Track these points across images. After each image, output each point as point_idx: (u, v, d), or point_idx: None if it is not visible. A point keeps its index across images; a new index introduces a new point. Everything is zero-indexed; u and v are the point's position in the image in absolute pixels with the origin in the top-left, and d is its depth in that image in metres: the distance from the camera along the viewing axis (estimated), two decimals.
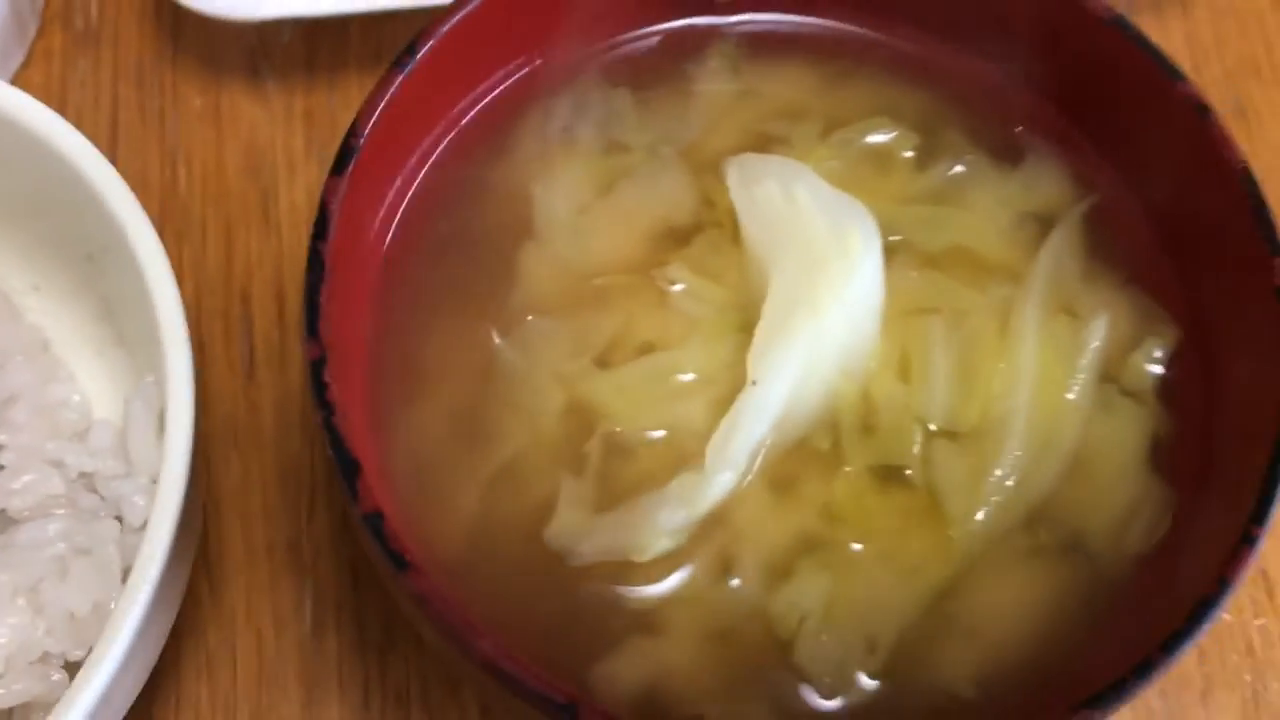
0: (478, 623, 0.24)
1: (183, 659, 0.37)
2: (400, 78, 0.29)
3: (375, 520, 0.25)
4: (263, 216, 0.43)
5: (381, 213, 0.30)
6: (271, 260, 0.42)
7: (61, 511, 0.32)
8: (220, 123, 0.45)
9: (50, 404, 0.34)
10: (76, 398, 0.35)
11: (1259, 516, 0.26)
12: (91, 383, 0.35)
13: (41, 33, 0.45)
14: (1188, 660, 0.37)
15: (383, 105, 0.28)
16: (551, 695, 0.23)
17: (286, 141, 0.45)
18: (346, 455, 0.25)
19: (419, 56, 0.29)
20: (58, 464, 0.33)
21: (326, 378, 0.26)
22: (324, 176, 0.43)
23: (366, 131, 0.28)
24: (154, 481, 0.32)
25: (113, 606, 0.29)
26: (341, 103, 0.45)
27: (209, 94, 0.45)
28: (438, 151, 0.31)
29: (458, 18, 0.30)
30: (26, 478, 0.33)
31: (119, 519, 0.32)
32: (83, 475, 0.33)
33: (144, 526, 0.30)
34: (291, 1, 0.42)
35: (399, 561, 0.24)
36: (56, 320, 0.36)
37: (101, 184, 0.31)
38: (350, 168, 0.28)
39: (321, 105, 0.46)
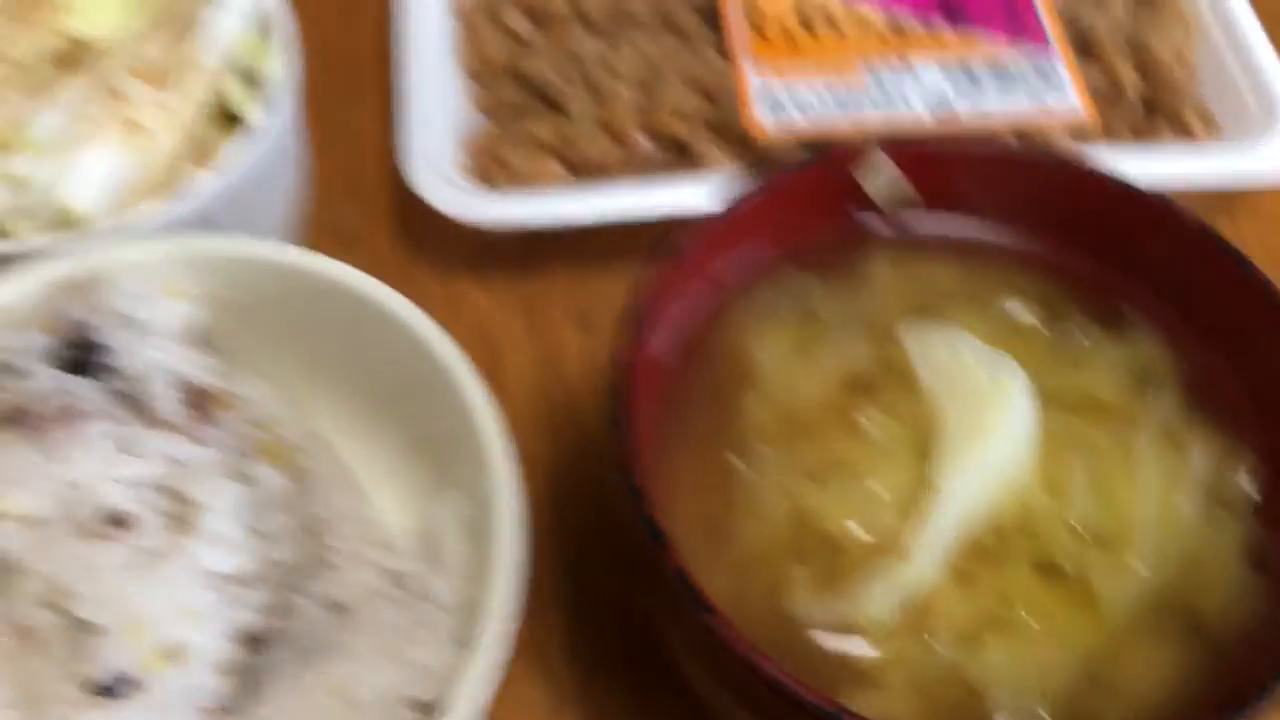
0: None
1: None
2: (667, 265, 0.39)
3: (681, 574, 0.33)
4: (493, 381, 0.53)
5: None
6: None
7: (381, 602, 0.41)
8: (456, 308, 0.55)
9: (363, 520, 0.43)
10: (381, 515, 0.44)
11: None
12: (388, 502, 0.44)
13: (312, 239, 0.56)
14: None
15: (654, 284, 0.38)
16: (823, 704, 0.31)
17: (509, 323, 0.55)
18: (655, 526, 0.34)
19: (679, 251, 0.39)
20: (376, 565, 0.42)
21: (635, 472, 0.34)
22: (542, 349, 0.54)
23: (647, 302, 0.38)
24: (459, 576, 0.41)
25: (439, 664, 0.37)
26: (551, 292, 0.56)
27: (446, 285, 0.55)
28: (682, 321, 0.41)
29: (703, 225, 0.40)
30: (354, 575, 0.42)
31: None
32: (391, 573, 0.42)
33: (455, 609, 0.39)
34: (522, 211, 0.53)
35: (703, 604, 0.33)
36: (355, 454, 0.45)
37: (420, 330, 0.41)
38: (639, 328, 0.37)
39: (537, 294, 0.56)
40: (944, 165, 0.42)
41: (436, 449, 0.43)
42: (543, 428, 0.52)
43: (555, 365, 0.54)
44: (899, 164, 0.42)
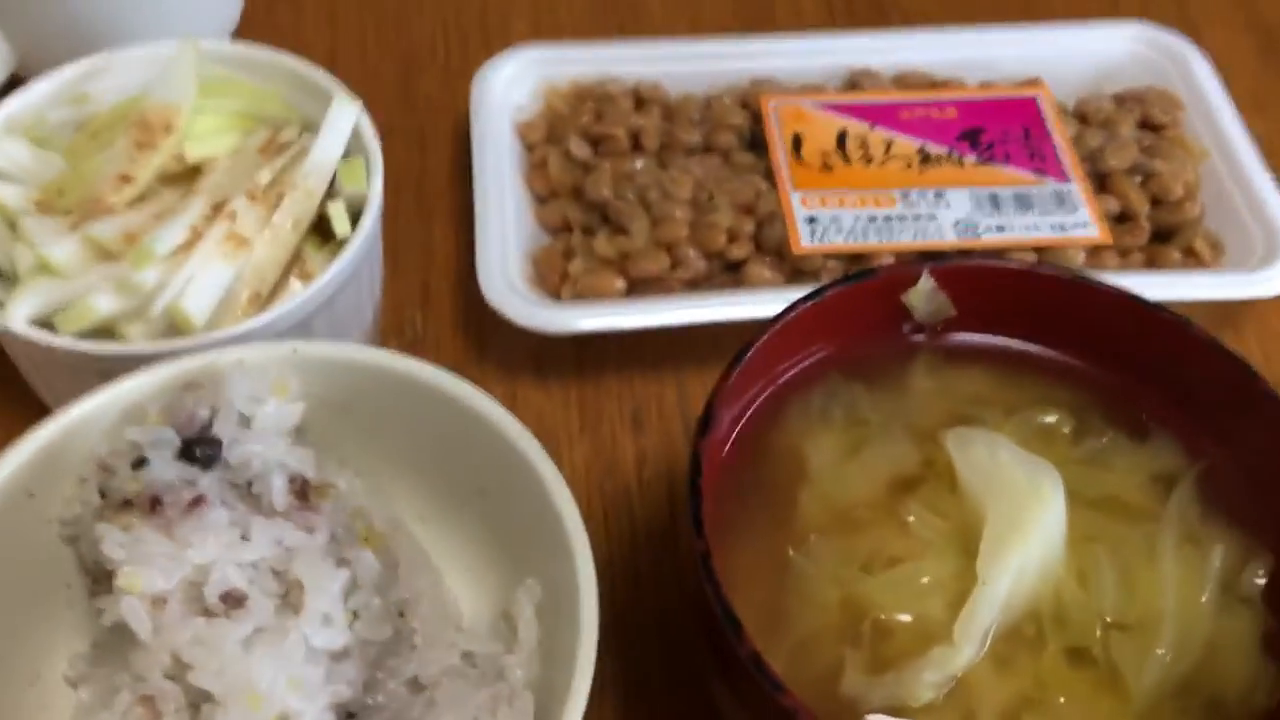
0: None
1: None
2: (734, 372, 0.43)
3: (756, 657, 0.36)
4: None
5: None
6: None
7: (459, 681, 0.44)
8: (515, 407, 0.59)
9: (439, 603, 0.47)
10: (454, 598, 0.47)
11: None
12: (462, 590, 0.48)
13: (385, 344, 0.60)
14: None
15: (724, 388, 0.42)
16: None
17: (565, 421, 0.59)
18: (731, 612, 0.37)
19: (743, 361, 0.43)
20: (452, 646, 0.45)
21: (712, 563, 0.38)
22: (596, 445, 0.58)
23: (717, 404, 0.42)
24: (532, 655, 0.44)
25: None
26: (605, 393, 0.60)
27: (507, 385, 0.60)
28: (743, 421, 0.45)
29: (764, 338, 0.44)
30: (433, 654, 0.45)
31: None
32: (465, 654, 0.45)
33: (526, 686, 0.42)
34: (583, 320, 0.57)
35: (776, 685, 0.36)
36: (433, 543, 0.49)
37: (502, 425, 0.45)
38: (709, 428, 0.41)
39: (589, 396, 0.60)
40: (981, 284, 0.47)
41: (512, 539, 0.47)
42: (596, 519, 0.56)
43: (608, 460, 0.58)
44: (940, 282, 0.47)
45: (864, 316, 0.47)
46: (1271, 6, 0.79)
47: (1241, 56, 0.76)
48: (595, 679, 0.44)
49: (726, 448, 0.45)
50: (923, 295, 0.47)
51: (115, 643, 0.44)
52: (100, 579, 0.43)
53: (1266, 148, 0.68)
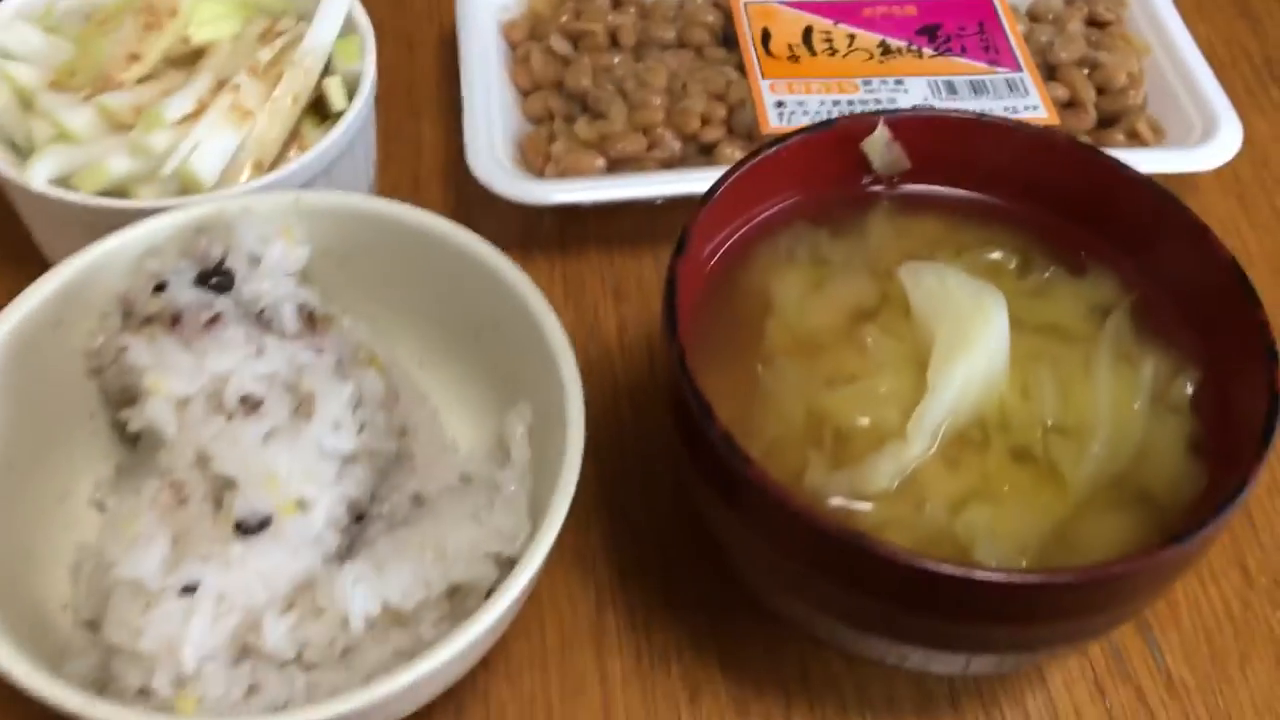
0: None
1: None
2: (707, 204, 0.47)
3: (726, 436, 0.40)
4: None
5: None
6: None
7: (456, 494, 0.48)
8: None
9: (435, 430, 0.51)
10: (450, 431, 0.51)
11: (1254, 471, 0.42)
12: (457, 422, 0.52)
13: None
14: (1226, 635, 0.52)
15: (698, 216, 0.46)
16: (845, 531, 0.38)
17: (550, 293, 0.62)
18: (703, 398, 0.41)
19: (715, 195, 0.47)
20: (449, 467, 0.49)
21: (687, 360, 0.42)
22: (580, 314, 0.62)
23: (692, 229, 0.46)
24: (524, 472, 0.48)
25: (520, 534, 0.44)
26: (587, 266, 0.64)
27: None
28: (717, 257, 0.49)
29: (735, 176, 0.48)
30: (432, 473, 0.49)
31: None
32: (463, 475, 0.49)
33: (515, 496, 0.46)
34: (566, 193, 0.61)
35: (744, 459, 0.40)
36: (430, 382, 0.53)
37: (500, 269, 0.49)
38: (684, 249, 0.45)
39: (572, 270, 0.64)
40: (934, 135, 0.51)
41: (505, 375, 0.50)
42: (583, 379, 0.59)
43: (590, 327, 0.61)
44: (894, 133, 0.51)
45: (826, 167, 0.51)
46: None
47: None
48: (582, 498, 0.48)
49: (701, 285, 0.48)
50: (879, 145, 0.51)
51: (136, 466, 0.48)
52: (124, 404, 0.47)
53: (1207, 48, 0.73)
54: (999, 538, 0.43)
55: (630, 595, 0.53)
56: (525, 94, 0.67)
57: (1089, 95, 0.67)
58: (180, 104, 0.54)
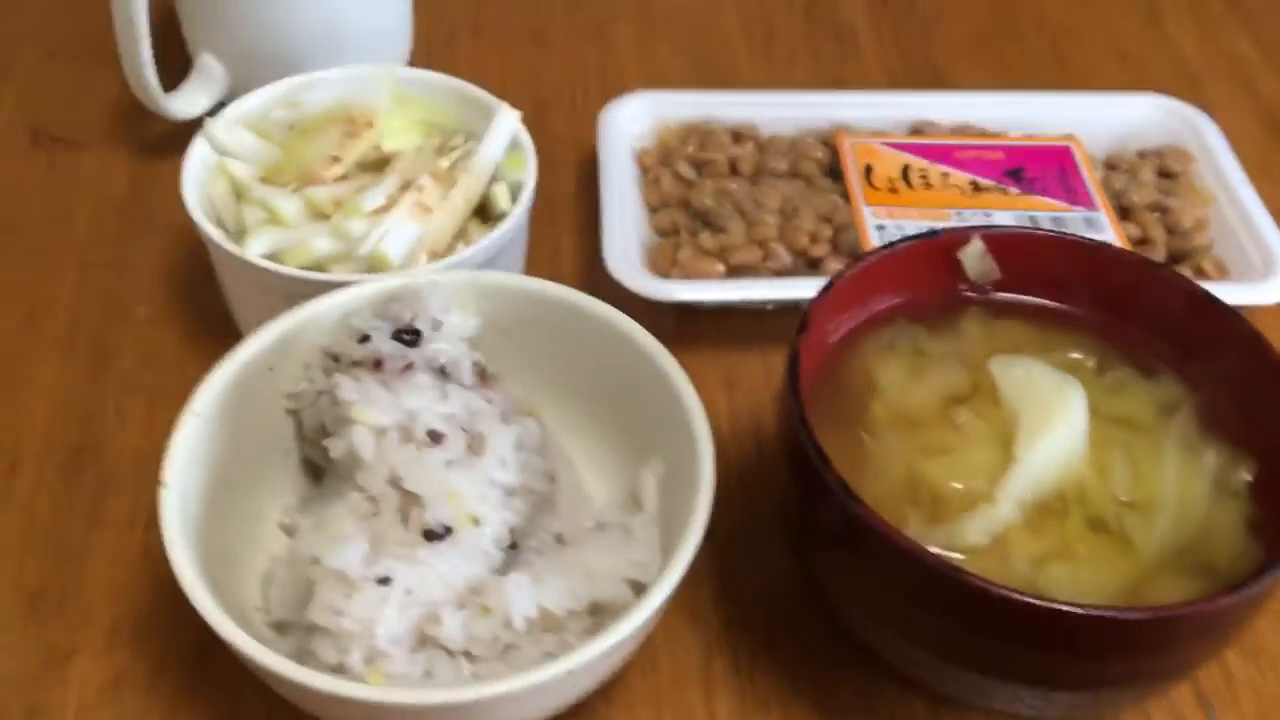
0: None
1: (627, 666, 0.57)
2: (822, 297, 0.55)
3: (841, 482, 0.47)
4: None
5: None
6: None
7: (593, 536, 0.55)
8: None
9: (575, 484, 0.58)
10: (585, 483, 0.59)
11: None
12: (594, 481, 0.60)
13: None
14: None
15: (817, 304, 0.54)
16: (947, 567, 0.45)
17: None
18: (819, 448, 0.48)
19: (832, 288, 0.55)
20: (587, 514, 0.56)
21: (807, 415, 0.49)
22: None
23: (813, 312, 0.54)
24: (654, 519, 0.55)
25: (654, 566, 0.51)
26: (701, 361, 0.71)
27: None
28: (829, 344, 0.57)
29: (849, 274, 0.56)
30: (573, 519, 0.56)
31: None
32: (599, 523, 0.56)
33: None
34: (688, 293, 0.69)
35: (856, 499, 0.47)
36: (573, 445, 0.61)
37: (639, 338, 0.57)
38: (806, 328, 0.53)
39: (688, 364, 0.69)
40: (1023, 249, 0.59)
41: (640, 439, 0.58)
42: None
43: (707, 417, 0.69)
44: (987, 245, 0.58)
45: (927, 272, 0.59)
46: (1275, 92, 0.93)
47: (1249, 132, 0.89)
48: (695, 562, 0.54)
49: (814, 365, 0.56)
50: (973, 255, 0.59)
51: (317, 498, 0.56)
52: (320, 437, 0.55)
53: (1268, 203, 0.80)
54: (1076, 591, 0.49)
55: (736, 644, 0.59)
56: (654, 210, 0.77)
57: (1159, 235, 0.75)
58: (374, 198, 0.64)
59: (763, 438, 0.69)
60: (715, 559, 0.62)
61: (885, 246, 0.57)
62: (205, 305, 0.72)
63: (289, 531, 0.56)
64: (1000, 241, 0.59)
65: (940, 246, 0.58)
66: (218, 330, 0.70)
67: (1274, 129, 0.90)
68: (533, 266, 0.76)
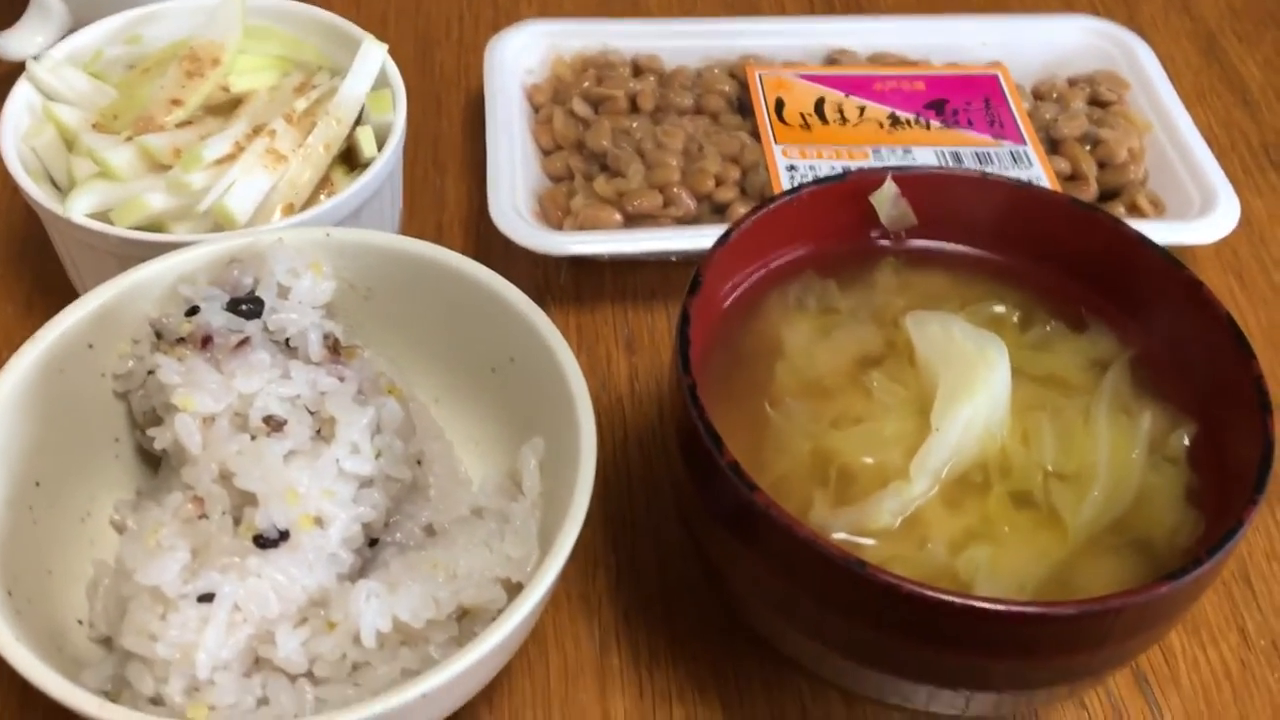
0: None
1: (511, 665, 0.51)
2: (717, 250, 0.49)
3: (735, 465, 0.42)
4: None
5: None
6: None
7: (467, 526, 0.49)
8: None
9: (450, 463, 0.52)
10: (464, 465, 0.52)
11: (1248, 514, 0.43)
12: (471, 457, 0.53)
13: None
14: None
15: (711, 259, 0.48)
16: (849, 558, 0.39)
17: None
18: (713, 428, 0.42)
19: (728, 240, 0.49)
20: (462, 500, 0.50)
21: (698, 392, 0.43)
22: (592, 364, 0.63)
23: (706, 270, 0.48)
24: (535, 504, 0.49)
25: (531, 560, 0.45)
26: (598, 318, 0.66)
27: None
28: (729, 302, 0.51)
29: (748, 223, 0.50)
30: (445, 505, 0.50)
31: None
32: (475, 509, 0.50)
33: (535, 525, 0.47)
34: (582, 245, 0.63)
35: (752, 485, 0.41)
36: (446, 418, 0.54)
37: (520, 307, 0.50)
38: (698, 291, 0.47)
39: (587, 321, 0.66)
40: (940, 192, 0.53)
41: (519, 412, 0.52)
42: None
43: (603, 376, 0.63)
44: (901, 188, 0.53)
45: (836, 219, 0.53)
46: (1213, 12, 0.87)
47: (1185, 55, 0.84)
48: (588, 542, 0.48)
49: (713, 326, 0.50)
50: (887, 199, 0.53)
51: (156, 490, 0.49)
52: (150, 424, 0.48)
53: (1206, 133, 0.75)
54: (998, 576, 0.44)
55: (634, 635, 0.53)
56: (546, 153, 0.70)
57: (1090, 169, 0.69)
58: (218, 146, 0.57)
59: (664, 400, 0.62)
60: (610, 539, 0.56)
61: (789, 192, 0.51)
62: (43, 266, 0.64)
63: (120, 529, 0.49)
64: (915, 183, 0.53)
65: (850, 190, 0.52)
66: (54, 293, 0.62)
67: (1210, 51, 0.85)
68: (413, 217, 0.69)
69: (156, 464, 0.51)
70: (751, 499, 0.41)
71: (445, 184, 0.72)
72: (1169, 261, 0.50)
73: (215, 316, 0.47)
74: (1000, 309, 0.52)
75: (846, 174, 0.52)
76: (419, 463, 0.50)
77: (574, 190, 0.67)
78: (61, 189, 0.59)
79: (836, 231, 0.53)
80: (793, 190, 0.51)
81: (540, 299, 0.66)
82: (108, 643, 0.45)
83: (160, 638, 0.39)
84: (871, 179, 0.53)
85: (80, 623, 0.46)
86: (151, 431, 0.46)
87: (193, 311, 0.47)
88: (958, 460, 0.47)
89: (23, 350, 0.47)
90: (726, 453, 0.42)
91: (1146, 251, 0.51)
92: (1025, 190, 0.53)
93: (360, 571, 0.45)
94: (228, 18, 0.62)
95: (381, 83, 0.62)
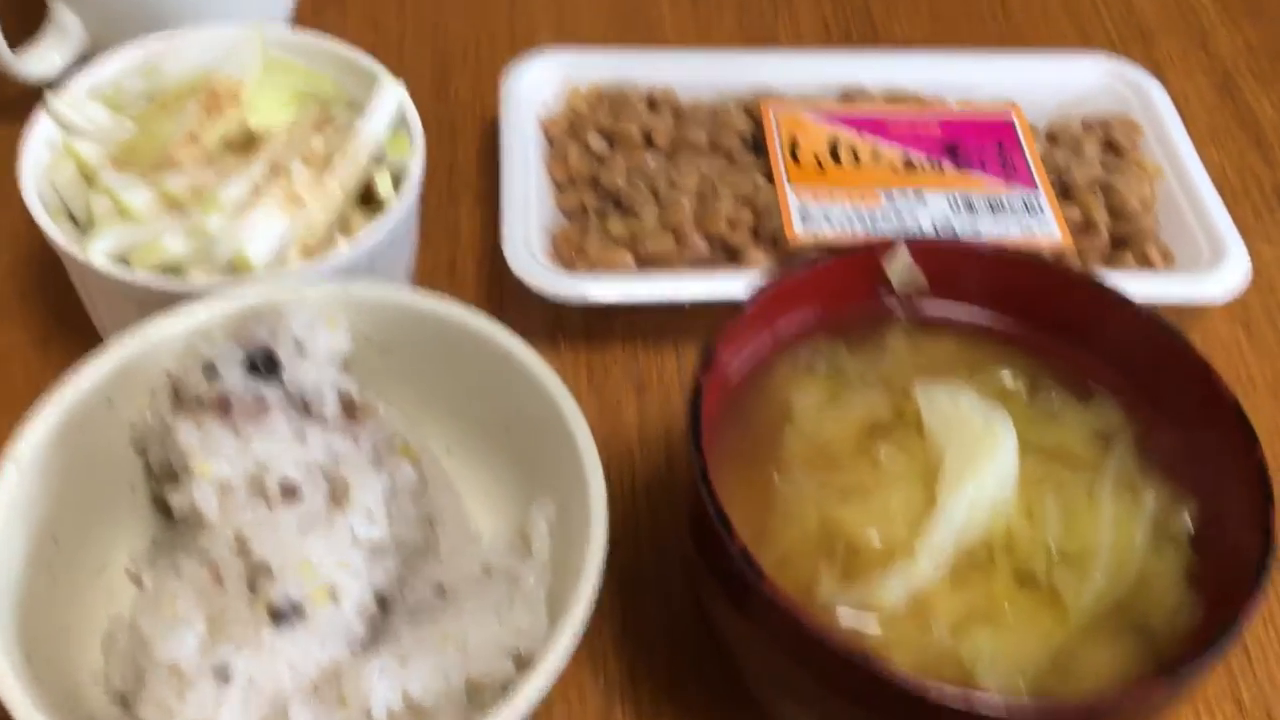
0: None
1: None
2: (734, 321, 0.49)
3: (745, 552, 0.42)
4: None
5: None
6: None
7: (477, 586, 0.49)
8: None
9: (461, 520, 0.53)
10: (474, 520, 0.53)
11: (1246, 611, 0.44)
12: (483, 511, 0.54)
13: None
14: None
15: (724, 332, 0.49)
16: (852, 651, 0.40)
17: (574, 385, 0.65)
18: (724, 513, 0.43)
19: (743, 312, 0.50)
20: (472, 557, 0.51)
21: (709, 475, 0.44)
22: (603, 406, 0.64)
23: (719, 345, 0.48)
24: (545, 568, 0.49)
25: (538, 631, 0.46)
26: (609, 361, 0.66)
27: None
28: (737, 367, 0.51)
29: (762, 294, 0.50)
30: (455, 563, 0.51)
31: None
32: (484, 566, 0.51)
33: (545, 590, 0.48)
34: (595, 290, 0.63)
35: (760, 574, 0.42)
36: (458, 471, 0.55)
37: (532, 368, 0.51)
38: (710, 363, 0.47)
39: (597, 363, 0.66)
40: (951, 260, 0.53)
41: (530, 470, 0.52)
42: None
43: (613, 421, 0.64)
44: (915, 257, 0.53)
45: (849, 285, 0.53)
46: (1229, 49, 0.87)
47: (1200, 92, 0.84)
48: (603, 590, 0.49)
49: (723, 394, 0.50)
50: (900, 267, 0.53)
51: (171, 540, 0.50)
52: (167, 479, 0.49)
53: (1219, 175, 0.75)
54: (1000, 660, 0.45)
55: (639, 693, 0.54)
56: (561, 188, 0.70)
57: (1102, 217, 0.69)
58: (237, 188, 0.57)
59: (674, 444, 0.63)
60: (617, 589, 0.57)
61: (805, 263, 0.51)
62: (60, 295, 0.65)
63: (136, 581, 0.50)
64: (927, 251, 0.53)
65: (862, 261, 0.53)
66: (71, 327, 0.63)
67: (1226, 88, 0.85)
68: (427, 250, 0.70)
69: (169, 513, 0.52)
70: (759, 587, 0.42)
71: (459, 216, 0.72)
72: (1177, 341, 0.51)
73: (233, 377, 0.47)
74: (1008, 377, 0.53)
75: (861, 248, 0.53)
76: (430, 523, 0.50)
77: (587, 229, 0.67)
78: (80, 224, 0.59)
79: (846, 293, 0.54)
80: (809, 261, 0.52)
81: (551, 337, 0.67)
82: (123, 699, 0.46)
83: (178, 715, 0.40)
84: (886, 245, 0.53)
85: (95, 679, 0.47)
86: (169, 490, 0.46)
87: (209, 369, 0.47)
88: (963, 537, 0.47)
89: (43, 410, 0.47)
90: (737, 539, 0.43)
91: (1156, 329, 0.51)
92: (1034, 262, 0.53)
93: (371, 639, 0.46)
94: (246, 54, 0.62)
95: (400, 123, 0.62)
